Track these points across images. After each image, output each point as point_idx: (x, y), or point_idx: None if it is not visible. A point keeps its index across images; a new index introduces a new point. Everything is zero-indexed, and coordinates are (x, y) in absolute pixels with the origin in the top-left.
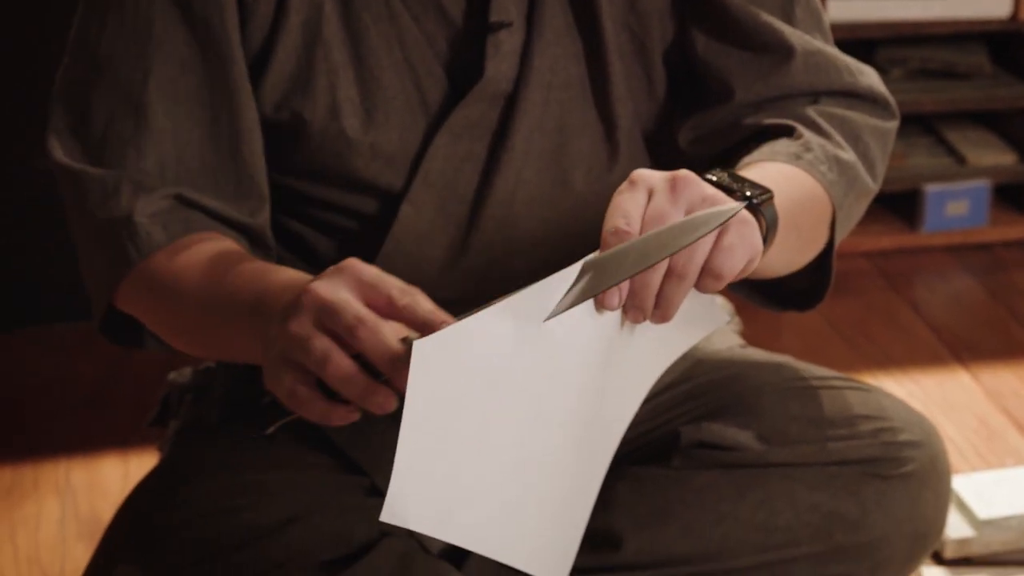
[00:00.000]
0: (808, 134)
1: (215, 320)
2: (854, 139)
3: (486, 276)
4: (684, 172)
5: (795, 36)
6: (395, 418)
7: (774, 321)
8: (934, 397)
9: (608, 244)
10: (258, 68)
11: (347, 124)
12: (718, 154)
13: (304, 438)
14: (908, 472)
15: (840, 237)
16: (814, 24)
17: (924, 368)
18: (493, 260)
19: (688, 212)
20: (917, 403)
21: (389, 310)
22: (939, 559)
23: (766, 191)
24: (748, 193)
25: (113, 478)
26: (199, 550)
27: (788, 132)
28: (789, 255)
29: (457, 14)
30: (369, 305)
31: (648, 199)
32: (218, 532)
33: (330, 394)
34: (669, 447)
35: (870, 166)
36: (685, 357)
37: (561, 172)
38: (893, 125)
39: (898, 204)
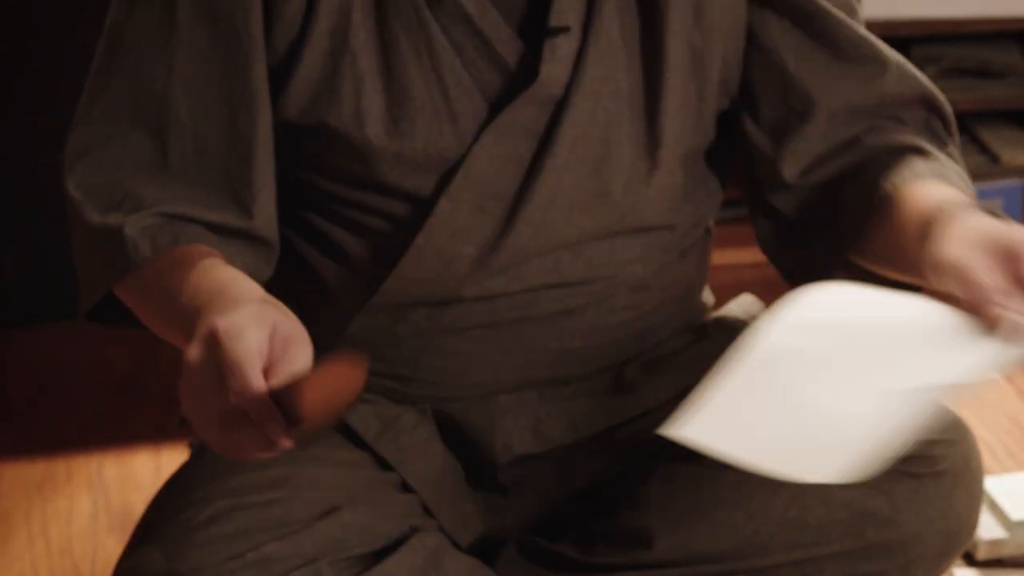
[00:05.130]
0: (937, 154)
1: (175, 334)
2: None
3: (514, 276)
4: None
5: (887, 47)
6: (423, 414)
7: None
8: (966, 397)
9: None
10: (283, 72)
11: (371, 132)
12: (834, 176)
13: (335, 434)
14: (941, 470)
15: None
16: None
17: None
18: (523, 261)
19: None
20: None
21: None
22: (971, 560)
23: None
24: None
25: (145, 471)
26: (230, 544)
27: (914, 150)
28: None
29: (485, 24)
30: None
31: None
32: (249, 526)
33: None
34: None
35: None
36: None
37: (601, 182)
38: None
39: None
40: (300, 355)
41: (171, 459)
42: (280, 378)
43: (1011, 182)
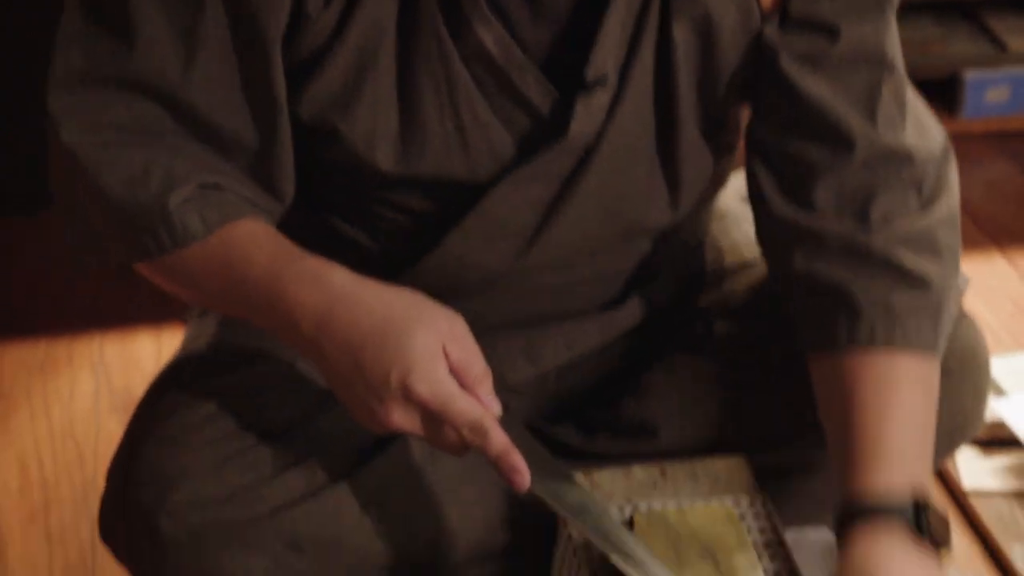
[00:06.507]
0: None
1: (238, 311)
2: (934, 252)
3: (523, 301)
4: None
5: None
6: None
7: None
8: (971, 281)
9: None
10: (301, 77)
11: (380, 155)
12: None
13: None
14: (947, 369)
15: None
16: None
17: (961, 253)
18: (533, 290)
19: None
20: None
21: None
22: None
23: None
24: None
25: (146, 352)
26: (231, 440)
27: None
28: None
29: (508, 64)
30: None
31: None
32: (250, 423)
33: None
34: (703, 339)
35: (954, 263)
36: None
37: (622, 222)
38: (955, 195)
39: (937, 90)
40: (479, 360)
41: (172, 340)
42: (485, 391)
43: (1019, 69)
